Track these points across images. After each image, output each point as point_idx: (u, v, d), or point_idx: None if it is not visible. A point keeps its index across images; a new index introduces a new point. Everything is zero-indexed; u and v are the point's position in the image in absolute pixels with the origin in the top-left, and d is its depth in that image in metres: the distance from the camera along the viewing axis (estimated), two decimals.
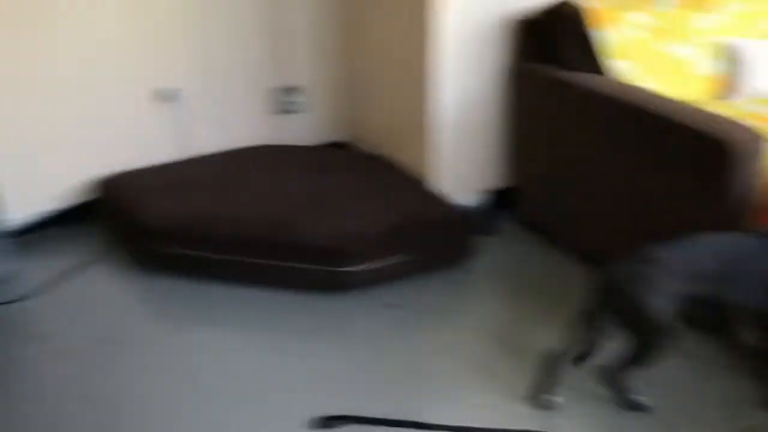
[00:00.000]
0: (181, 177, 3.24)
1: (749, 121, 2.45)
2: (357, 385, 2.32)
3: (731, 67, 3.07)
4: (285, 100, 3.65)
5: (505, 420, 2.16)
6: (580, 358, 2.21)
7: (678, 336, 2.13)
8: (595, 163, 2.84)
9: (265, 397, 2.26)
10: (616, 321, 2.15)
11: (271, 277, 2.80)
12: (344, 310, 2.68)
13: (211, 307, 2.73)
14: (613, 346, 2.11)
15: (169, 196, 3.05)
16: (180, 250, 2.84)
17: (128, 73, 3.24)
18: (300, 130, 3.71)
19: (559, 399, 2.23)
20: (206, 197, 3.03)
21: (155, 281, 2.86)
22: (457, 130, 3.16)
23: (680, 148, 2.50)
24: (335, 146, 3.77)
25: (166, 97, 3.33)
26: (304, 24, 3.57)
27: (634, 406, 2.23)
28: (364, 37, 3.52)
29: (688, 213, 2.52)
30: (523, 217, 3.28)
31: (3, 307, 2.64)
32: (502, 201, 3.35)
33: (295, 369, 2.38)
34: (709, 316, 2.34)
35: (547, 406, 2.23)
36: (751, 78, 3.07)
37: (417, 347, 2.51)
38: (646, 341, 2.12)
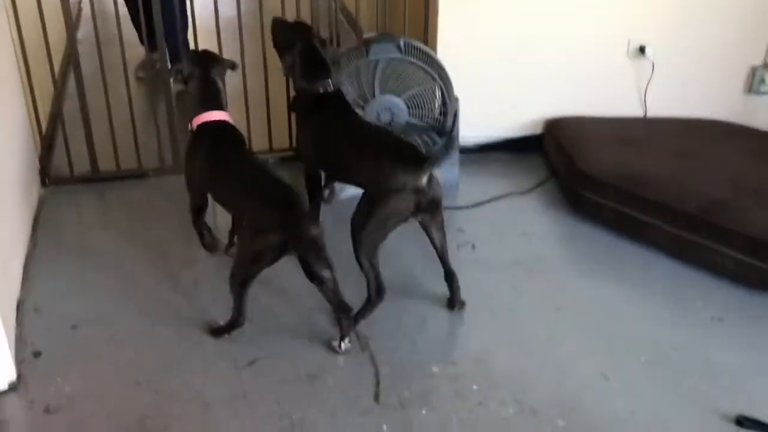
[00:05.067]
0: (630, 133, 3.30)
1: None
2: None
3: None
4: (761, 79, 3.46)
5: None
6: None
7: None
8: None
9: (691, 387, 2.25)
10: None
11: (689, 252, 2.77)
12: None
13: (621, 263, 2.80)
14: None
15: (613, 148, 3.15)
16: (609, 202, 2.94)
17: (601, 24, 3.35)
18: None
19: None
20: (650, 158, 3.07)
21: (576, 224, 3.02)
22: None
23: None
24: None
25: (634, 51, 3.39)
26: None
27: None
28: None
29: None
30: None
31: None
32: None
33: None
34: None
35: None
36: None
37: None
38: None
